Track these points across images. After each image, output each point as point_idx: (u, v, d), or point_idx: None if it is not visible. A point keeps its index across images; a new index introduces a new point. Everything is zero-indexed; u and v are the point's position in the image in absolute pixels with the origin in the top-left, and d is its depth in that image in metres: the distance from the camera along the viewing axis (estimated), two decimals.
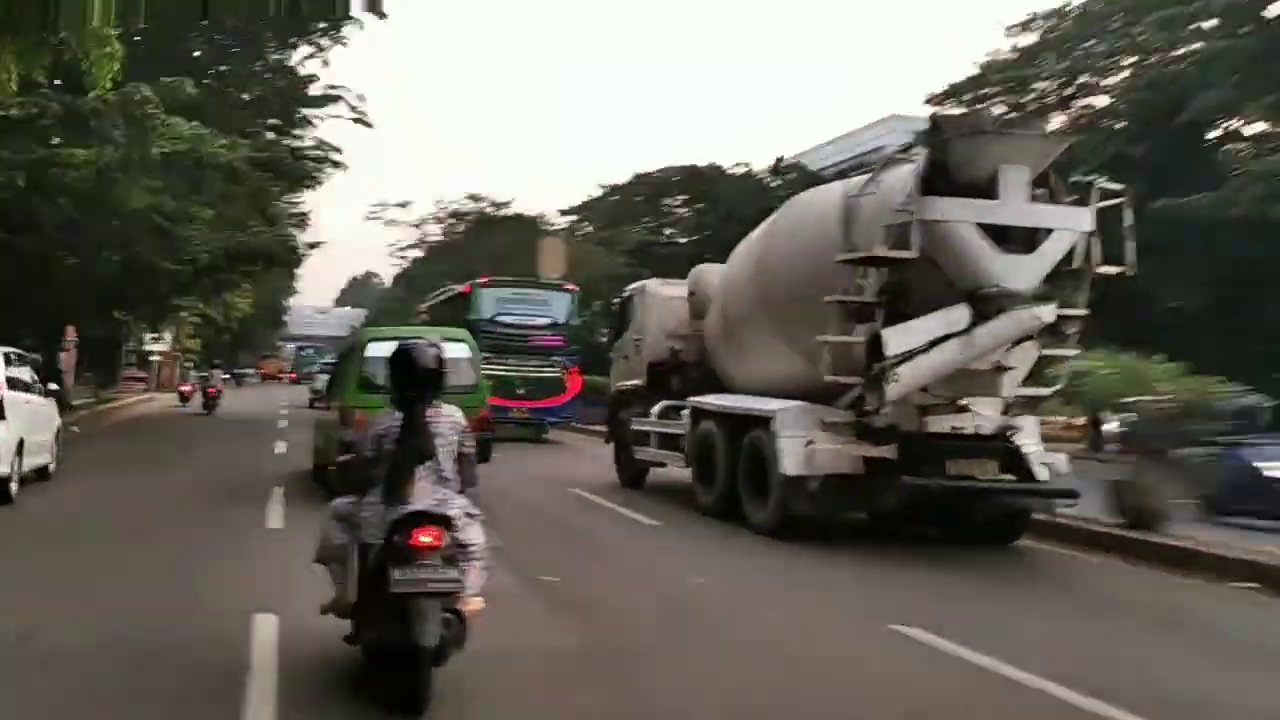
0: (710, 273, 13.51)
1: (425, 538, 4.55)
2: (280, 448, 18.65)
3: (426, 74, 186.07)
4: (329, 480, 12.29)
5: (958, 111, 30.76)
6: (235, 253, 26.91)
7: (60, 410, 15.57)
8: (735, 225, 21.98)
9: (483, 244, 47.19)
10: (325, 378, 34.98)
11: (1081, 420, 18.52)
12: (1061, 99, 34.57)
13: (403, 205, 53.44)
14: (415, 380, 4.93)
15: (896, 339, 8.91)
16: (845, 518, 10.76)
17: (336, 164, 23.15)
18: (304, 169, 23.58)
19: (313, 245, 31.75)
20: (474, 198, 50.82)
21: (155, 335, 44.84)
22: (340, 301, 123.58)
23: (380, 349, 11.59)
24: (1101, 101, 34.55)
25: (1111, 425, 19.04)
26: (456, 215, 51.39)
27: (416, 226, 53.26)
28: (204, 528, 9.83)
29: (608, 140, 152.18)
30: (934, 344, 9.03)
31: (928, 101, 37.33)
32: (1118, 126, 32.57)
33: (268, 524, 9.90)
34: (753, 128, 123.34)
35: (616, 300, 16.86)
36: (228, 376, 45.16)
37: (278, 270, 42.69)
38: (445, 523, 4.68)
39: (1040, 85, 34.82)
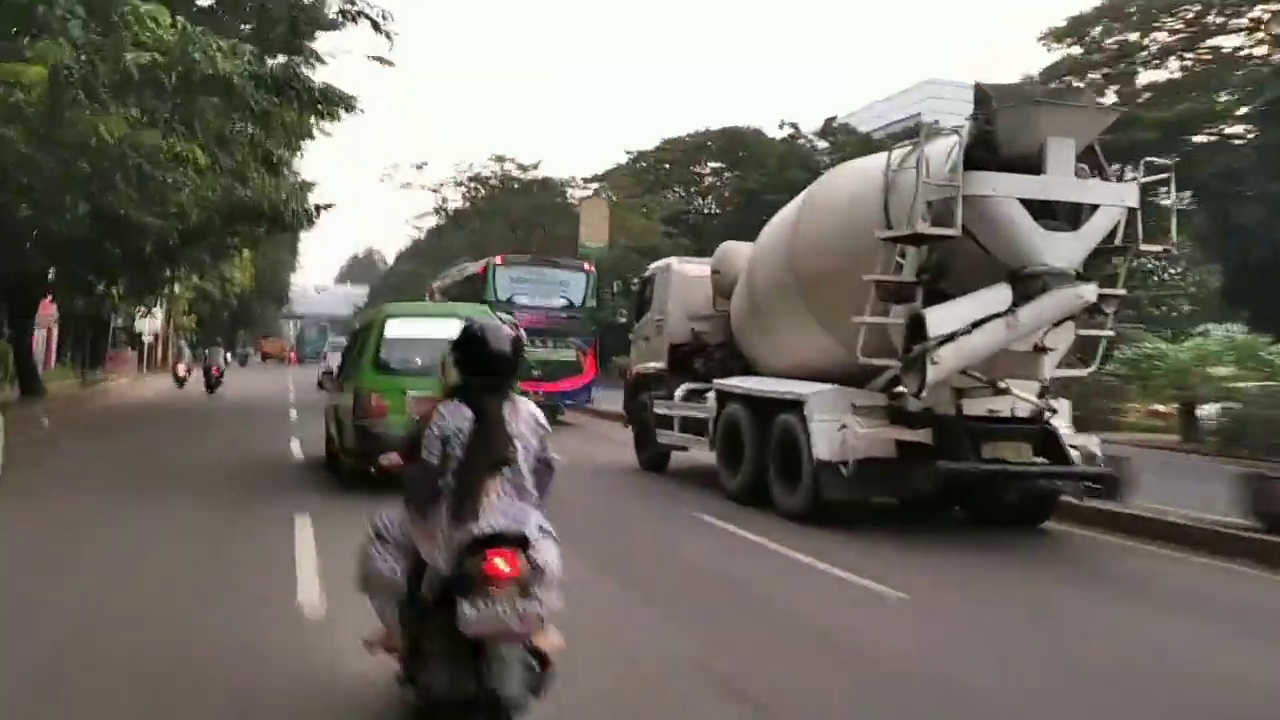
0: (737, 251, 13.40)
1: (502, 564, 3.81)
2: (296, 448, 15.78)
3: (432, 58, 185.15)
4: (341, 467, 11.96)
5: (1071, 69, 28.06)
6: (233, 210, 22.51)
7: (24, 400, 14.45)
8: (779, 193, 20.53)
9: (508, 210, 44.96)
10: (336, 357, 35.09)
11: (1165, 407, 17.76)
12: (1187, 38, 31.94)
13: (419, 167, 51.41)
14: (490, 368, 4.12)
15: (938, 320, 8.81)
16: (876, 502, 10.78)
17: (350, 107, 19.09)
18: (317, 93, 18.41)
19: (321, 207, 26.78)
20: (499, 158, 47.36)
21: (143, 310, 40.36)
22: (341, 280, 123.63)
23: (399, 328, 11.44)
24: (1234, 41, 31.86)
25: (1206, 410, 18.50)
26: (478, 180, 47.91)
27: (435, 191, 49.66)
28: (202, 621, 6.04)
29: (622, 127, 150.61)
30: (976, 325, 8.92)
31: (1041, 39, 34.73)
32: (1239, 73, 29.92)
33: (301, 605, 6.41)
34: (775, 105, 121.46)
35: (637, 280, 16.76)
36: (231, 356, 44.16)
37: (280, 239, 39.53)
38: (523, 544, 3.92)
39: (1167, 20, 32.11)
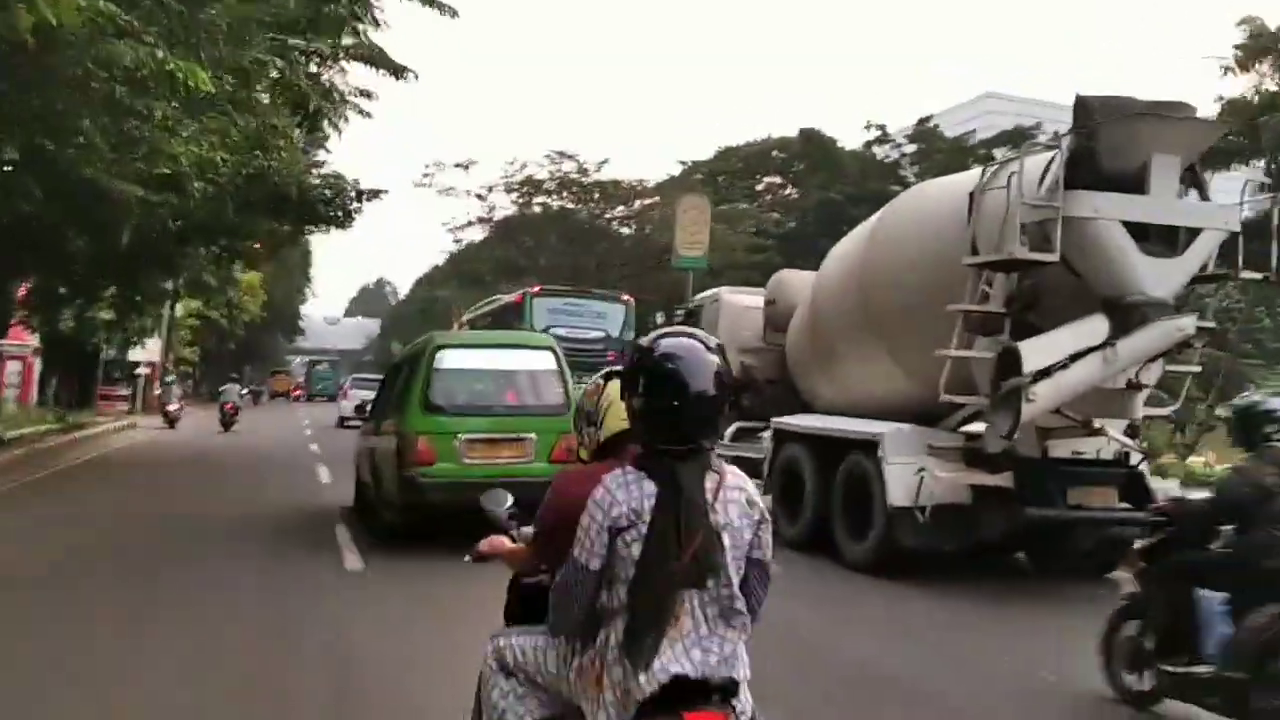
0: (793, 280, 13.11)
1: None
2: (349, 549, 10.24)
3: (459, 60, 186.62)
4: (389, 524, 10.50)
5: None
6: (249, 191, 16.32)
7: None
8: (862, 206, 18.21)
9: (566, 219, 41.13)
10: (359, 393, 33.61)
11: None
12: None
13: (464, 167, 42.78)
14: (687, 417, 2.68)
15: (1033, 353, 8.41)
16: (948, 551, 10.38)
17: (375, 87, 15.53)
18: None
19: (368, 195, 19.86)
20: (557, 157, 41.27)
21: (131, 336, 33.47)
22: (350, 312, 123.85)
23: (452, 359, 10.53)
24: None
25: None
26: (531, 183, 41.91)
27: (481, 198, 43.70)
28: None
29: (666, 137, 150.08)
30: (1073, 359, 8.53)
31: None
32: None
33: None
34: (829, 116, 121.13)
35: (681, 310, 16.43)
36: (246, 392, 42.54)
37: (292, 260, 37.07)
38: (731, 695, 2.70)
39: None
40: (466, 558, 3.58)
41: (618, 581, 2.68)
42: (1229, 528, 5.54)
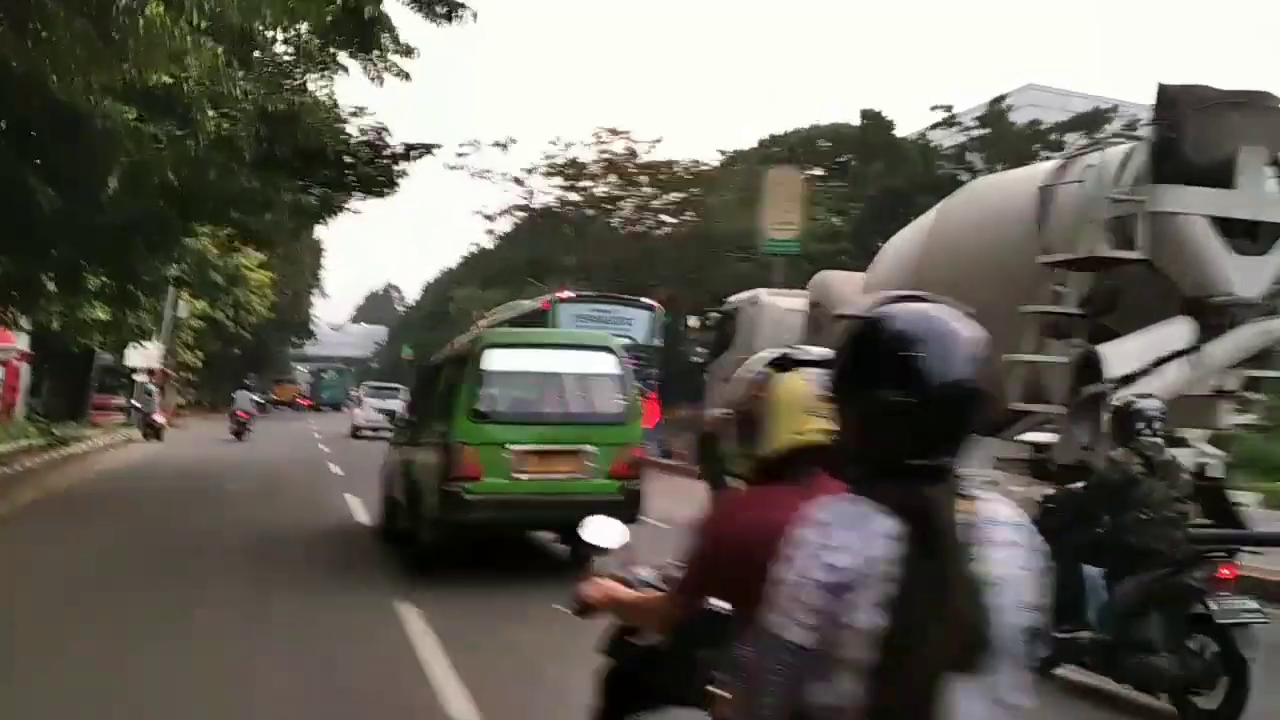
0: (838, 281, 12.85)
1: None
2: (450, 686, 5.77)
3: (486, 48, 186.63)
4: (424, 545, 9.52)
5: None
6: (272, 140, 13.07)
7: None
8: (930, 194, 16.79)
9: (614, 206, 38.37)
10: (376, 401, 33.67)
11: None
12: None
13: (503, 146, 39.92)
14: (940, 421, 1.70)
15: (1115, 358, 8.08)
16: None
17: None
18: None
19: (416, 151, 16.27)
20: (606, 135, 37.20)
21: (129, 335, 26.70)
22: (356, 319, 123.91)
23: (503, 360, 9.66)
24: None
25: None
26: (575, 165, 38.22)
27: (519, 181, 39.56)
28: None
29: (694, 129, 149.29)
30: (1158, 364, 8.21)
31: None
32: None
33: None
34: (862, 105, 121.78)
35: (716, 313, 16.14)
36: (259, 400, 41.56)
37: (300, 260, 35.21)
38: None
39: None
40: (558, 606, 2.79)
41: (841, 667, 1.71)
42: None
